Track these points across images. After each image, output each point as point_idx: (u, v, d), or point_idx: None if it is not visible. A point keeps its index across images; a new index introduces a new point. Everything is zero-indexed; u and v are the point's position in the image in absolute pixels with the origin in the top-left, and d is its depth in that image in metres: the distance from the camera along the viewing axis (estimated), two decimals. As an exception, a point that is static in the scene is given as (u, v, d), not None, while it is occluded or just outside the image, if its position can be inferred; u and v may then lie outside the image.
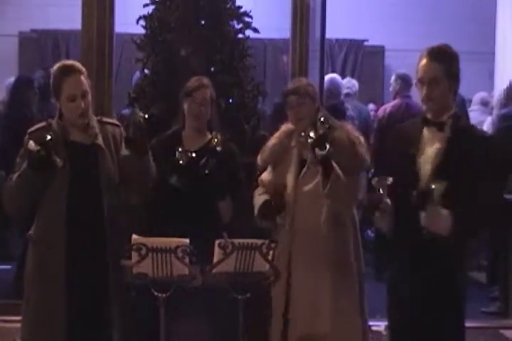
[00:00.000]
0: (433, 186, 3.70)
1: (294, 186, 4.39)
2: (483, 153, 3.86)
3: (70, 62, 4.24)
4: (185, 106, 4.65)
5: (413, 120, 4.15)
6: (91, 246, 4.08)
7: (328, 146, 4.05)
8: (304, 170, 4.40)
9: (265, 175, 4.57)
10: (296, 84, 4.53)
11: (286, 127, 4.58)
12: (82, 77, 4.12)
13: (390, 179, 3.79)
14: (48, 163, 3.89)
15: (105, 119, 4.33)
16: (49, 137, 3.89)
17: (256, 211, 4.44)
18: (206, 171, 4.51)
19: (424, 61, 3.93)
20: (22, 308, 4.17)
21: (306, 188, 4.35)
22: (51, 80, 4.16)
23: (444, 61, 3.91)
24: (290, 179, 4.41)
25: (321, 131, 4.10)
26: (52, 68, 4.18)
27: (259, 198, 4.48)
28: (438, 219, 3.73)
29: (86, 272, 4.05)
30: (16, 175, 4.03)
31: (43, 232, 4.11)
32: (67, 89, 4.08)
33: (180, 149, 4.50)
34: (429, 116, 3.98)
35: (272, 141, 4.55)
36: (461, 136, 3.90)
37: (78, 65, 4.18)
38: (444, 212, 3.73)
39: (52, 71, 4.17)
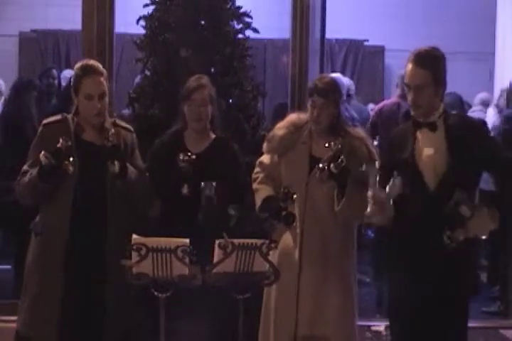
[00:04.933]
0: (455, 207, 3.75)
1: (307, 182, 4.37)
2: (484, 141, 3.90)
3: (92, 62, 4.32)
4: (185, 108, 4.62)
5: (405, 125, 4.16)
6: (92, 244, 4.12)
7: (343, 162, 4.06)
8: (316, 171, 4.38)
9: (266, 158, 4.54)
10: (326, 85, 4.43)
11: (295, 118, 4.54)
12: (102, 79, 4.21)
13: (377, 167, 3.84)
14: (57, 173, 3.95)
15: (119, 123, 4.36)
16: (62, 144, 3.91)
17: (258, 205, 4.40)
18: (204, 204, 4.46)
19: (410, 66, 3.94)
20: (20, 298, 4.23)
21: (319, 189, 4.33)
22: (72, 77, 4.27)
23: (429, 66, 3.91)
24: (302, 177, 4.38)
25: (336, 147, 4.12)
26: (75, 65, 4.29)
27: (261, 192, 4.44)
28: (487, 221, 3.77)
29: (85, 268, 4.11)
30: (26, 179, 4.06)
31: (46, 227, 4.17)
32: (85, 89, 4.17)
33: (181, 157, 4.46)
34: (419, 118, 4.00)
35: (282, 131, 4.49)
36: (458, 131, 3.92)
37: (99, 66, 4.27)
38: (486, 210, 3.77)
39: (74, 68, 4.28)
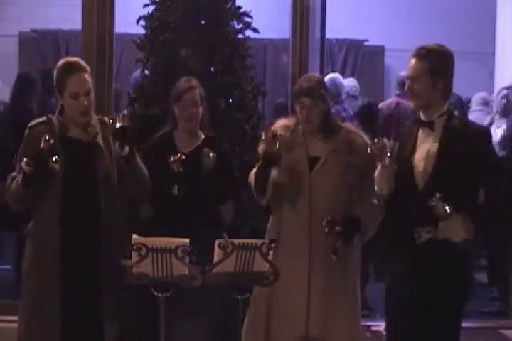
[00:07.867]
0: (433, 203, 3.78)
1: (309, 182, 4.38)
2: (480, 150, 3.89)
3: (74, 59, 4.22)
4: (176, 109, 4.68)
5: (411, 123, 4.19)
6: (85, 243, 4.08)
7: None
8: (318, 166, 4.39)
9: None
10: (311, 84, 4.42)
11: (285, 121, 4.54)
12: (86, 75, 4.12)
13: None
14: (43, 175, 3.87)
15: (105, 119, 4.27)
16: (44, 144, 3.83)
17: (253, 179, 4.40)
18: (205, 174, 4.53)
19: (410, 60, 3.99)
20: (20, 304, 4.19)
21: (322, 185, 4.36)
22: (54, 76, 4.16)
23: (428, 59, 3.95)
24: (304, 178, 4.39)
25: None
26: (56, 64, 4.17)
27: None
28: (459, 227, 3.78)
29: (80, 269, 4.06)
30: (14, 186, 4.00)
31: (38, 228, 4.13)
32: (70, 87, 4.08)
33: (172, 158, 4.51)
34: (421, 116, 4.02)
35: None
36: (455, 135, 3.91)
37: (82, 62, 4.18)
38: (460, 217, 3.78)
39: (56, 67, 4.17)
